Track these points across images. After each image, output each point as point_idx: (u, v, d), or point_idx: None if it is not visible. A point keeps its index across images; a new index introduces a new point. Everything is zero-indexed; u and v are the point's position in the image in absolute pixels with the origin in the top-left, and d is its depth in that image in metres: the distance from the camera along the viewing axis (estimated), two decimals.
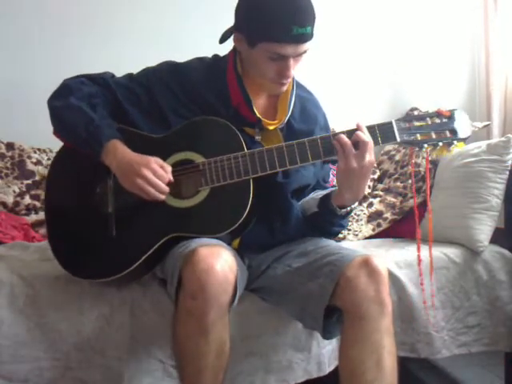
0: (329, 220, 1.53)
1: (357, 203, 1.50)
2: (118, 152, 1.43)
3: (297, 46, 1.40)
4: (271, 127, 1.54)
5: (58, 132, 1.53)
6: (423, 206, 2.08)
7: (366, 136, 1.37)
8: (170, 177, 1.42)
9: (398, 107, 2.68)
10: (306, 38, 1.40)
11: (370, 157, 1.37)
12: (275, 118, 1.56)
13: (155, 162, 1.42)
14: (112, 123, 1.49)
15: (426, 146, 1.39)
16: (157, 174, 1.40)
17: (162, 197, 1.42)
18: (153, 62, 1.63)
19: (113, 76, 1.61)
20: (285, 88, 1.52)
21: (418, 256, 1.53)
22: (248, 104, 1.51)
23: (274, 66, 1.44)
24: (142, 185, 1.39)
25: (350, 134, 1.39)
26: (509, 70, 2.62)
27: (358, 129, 1.39)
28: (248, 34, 1.43)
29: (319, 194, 1.59)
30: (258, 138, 1.54)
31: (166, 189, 1.41)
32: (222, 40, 1.52)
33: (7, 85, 2.43)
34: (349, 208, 1.48)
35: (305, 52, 1.44)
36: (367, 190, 2.41)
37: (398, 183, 2.30)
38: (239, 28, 1.46)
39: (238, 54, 1.54)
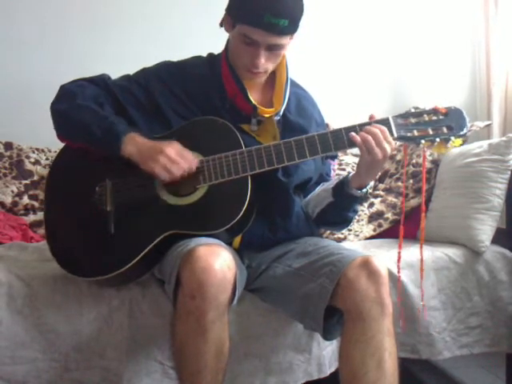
0: (346, 206, 1.54)
1: (373, 182, 1.50)
2: (138, 141, 1.44)
3: (267, 35, 1.42)
4: (267, 115, 1.54)
5: (65, 135, 1.54)
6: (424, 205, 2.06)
7: (379, 125, 1.38)
8: (193, 159, 1.42)
9: (398, 106, 2.67)
10: (278, 29, 1.41)
11: (390, 145, 1.38)
12: (271, 108, 1.57)
13: (179, 145, 1.44)
14: (121, 119, 1.50)
15: (423, 141, 1.39)
16: (182, 153, 1.42)
17: (184, 173, 1.41)
18: (154, 60, 1.64)
19: (109, 78, 1.62)
20: (258, 79, 1.54)
21: (399, 253, 1.52)
22: (243, 93, 1.52)
23: (247, 52, 1.46)
24: (166, 163, 1.39)
25: (362, 126, 1.40)
26: (509, 68, 2.62)
27: (370, 121, 1.40)
28: (230, 15, 1.48)
29: (328, 184, 1.60)
30: (254, 128, 1.54)
31: (191, 167, 1.42)
32: (221, 23, 1.56)
33: (6, 84, 2.43)
34: (368, 187, 1.49)
35: (279, 46, 1.45)
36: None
37: (399, 183, 2.28)
38: (227, 8, 1.51)
39: (229, 47, 1.56)
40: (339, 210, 1.55)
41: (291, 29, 1.44)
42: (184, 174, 1.42)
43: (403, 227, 1.50)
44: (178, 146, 1.43)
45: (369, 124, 1.40)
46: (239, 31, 1.45)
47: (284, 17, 1.40)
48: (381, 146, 1.37)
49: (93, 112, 1.47)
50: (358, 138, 1.38)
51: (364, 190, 1.49)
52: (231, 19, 1.47)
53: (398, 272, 1.55)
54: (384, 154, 1.38)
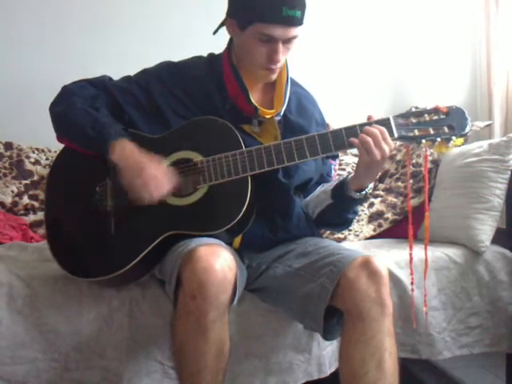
0: (345, 208, 1.54)
1: (372, 184, 1.51)
2: (125, 150, 1.43)
3: (286, 29, 1.42)
4: (268, 116, 1.54)
5: (63, 136, 1.55)
6: (424, 205, 2.06)
7: (379, 128, 1.37)
8: (167, 189, 1.42)
9: (398, 106, 2.67)
10: (295, 21, 1.43)
11: (389, 146, 1.38)
12: (272, 109, 1.56)
13: (161, 167, 1.42)
14: (116, 123, 1.50)
15: (423, 141, 1.39)
16: (157, 182, 1.40)
17: (149, 202, 1.41)
18: (155, 60, 1.64)
19: (110, 79, 1.62)
20: (275, 75, 1.53)
21: (410, 254, 1.51)
22: (245, 93, 1.52)
23: (264, 50, 1.46)
24: (137, 187, 1.39)
25: (362, 127, 1.39)
26: (510, 67, 2.61)
27: (370, 121, 1.40)
28: (239, 18, 1.47)
29: (327, 186, 1.60)
30: (256, 129, 1.54)
31: (157, 197, 1.40)
32: (216, 31, 1.56)
33: (6, 84, 2.43)
34: (367, 189, 1.49)
35: (294, 38, 1.46)
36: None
37: (399, 183, 2.29)
38: (231, 13, 1.50)
39: (232, 47, 1.56)
40: (339, 211, 1.56)
41: (303, 18, 1.46)
42: (153, 202, 1.41)
43: (412, 226, 1.50)
44: (159, 172, 1.41)
45: (369, 124, 1.39)
46: (255, 30, 1.43)
47: (297, 7, 1.42)
48: (380, 147, 1.36)
49: (87, 114, 1.48)
50: (356, 140, 1.38)
51: (363, 192, 1.49)
52: (241, 21, 1.46)
53: (411, 273, 1.53)
54: (382, 154, 1.37)
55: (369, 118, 1.41)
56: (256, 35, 1.44)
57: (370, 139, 1.36)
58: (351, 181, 1.48)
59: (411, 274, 1.53)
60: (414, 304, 1.63)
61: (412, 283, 1.56)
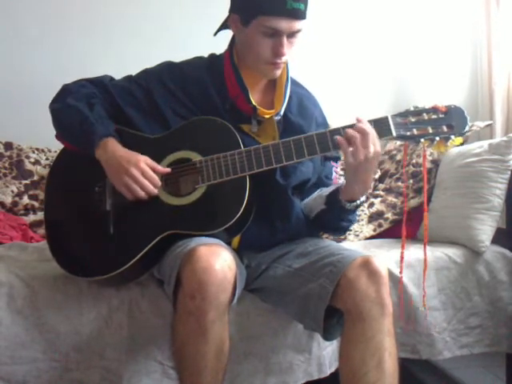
0: (337, 215, 1.53)
1: (365, 197, 1.49)
2: (109, 149, 1.44)
3: (290, 21, 1.43)
4: (267, 116, 1.54)
5: (58, 134, 1.55)
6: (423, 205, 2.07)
7: (367, 127, 1.36)
8: (158, 181, 1.44)
9: (399, 106, 2.67)
10: (299, 14, 1.43)
11: (374, 148, 1.36)
12: (272, 109, 1.56)
13: (145, 161, 1.44)
14: (108, 122, 1.50)
15: (422, 140, 1.39)
16: (146, 175, 1.42)
17: (145, 196, 1.43)
18: (156, 60, 1.64)
19: (112, 79, 1.62)
20: (279, 71, 1.53)
21: (402, 253, 1.51)
22: (245, 93, 1.52)
23: (268, 44, 1.46)
24: (128, 183, 1.41)
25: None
26: (511, 67, 2.61)
27: (358, 122, 1.38)
28: (242, 12, 1.47)
29: (325, 191, 1.59)
30: (254, 129, 1.54)
31: (153, 190, 1.43)
32: (216, 32, 1.56)
33: (6, 85, 2.43)
34: (358, 201, 1.47)
35: (298, 32, 1.46)
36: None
37: (399, 183, 2.28)
38: (234, 8, 1.50)
39: (234, 46, 1.56)
40: (332, 217, 1.54)
41: (306, 12, 1.46)
42: (148, 195, 1.43)
43: (405, 227, 1.49)
44: (144, 166, 1.43)
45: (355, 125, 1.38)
46: (260, 24, 1.43)
47: (301, 0, 1.42)
48: (366, 146, 1.34)
49: (77, 112, 1.48)
50: (341, 138, 1.36)
51: (354, 204, 1.46)
52: (244, 16, 1.46)
53: (401, 272, 1.54)
54: (366, 154, 1.35)
55: (357, 119, 1.39)
56: (260, 29, 1.44)
57: (357, 135, 1.35)
58: (343, 190, 1.47)
59: (400, 272, 1.54)
60: (402, 305, 1.63)
61: (400, 282, 1.57)
